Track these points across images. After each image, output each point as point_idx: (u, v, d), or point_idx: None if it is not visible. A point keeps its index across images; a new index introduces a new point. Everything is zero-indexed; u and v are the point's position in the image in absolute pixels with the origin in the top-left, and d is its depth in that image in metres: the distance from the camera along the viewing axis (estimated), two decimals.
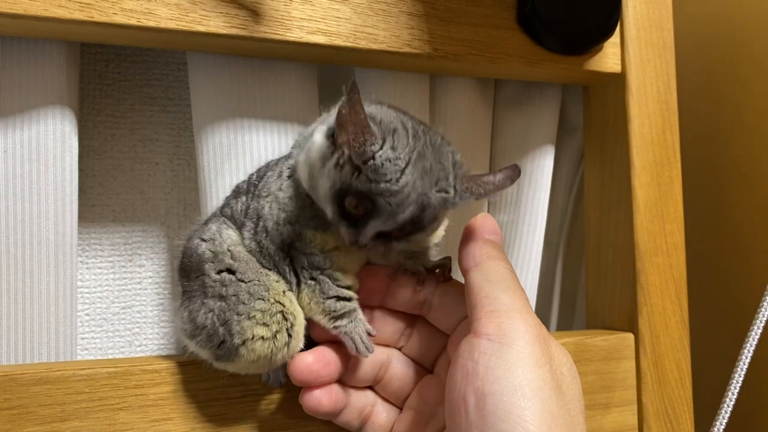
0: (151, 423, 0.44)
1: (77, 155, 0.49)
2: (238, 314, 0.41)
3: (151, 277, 0.58)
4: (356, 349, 0.42)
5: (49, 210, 0.48)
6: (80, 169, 0.51)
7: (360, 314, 0.43)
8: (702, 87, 0.80)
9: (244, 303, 0.41)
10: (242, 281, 0.42)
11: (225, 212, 0.45)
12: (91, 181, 0.56)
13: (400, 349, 0.46)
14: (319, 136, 0.40)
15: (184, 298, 0.44)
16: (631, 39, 0.59)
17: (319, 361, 0.42)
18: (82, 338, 0.56)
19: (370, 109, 0.40)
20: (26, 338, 0.47)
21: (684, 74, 0.64)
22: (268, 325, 0.41)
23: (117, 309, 0.57)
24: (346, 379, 0.44)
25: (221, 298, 0.42)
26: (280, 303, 0.41)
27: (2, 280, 0.47)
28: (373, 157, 0.37)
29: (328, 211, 0.40)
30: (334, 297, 0.42)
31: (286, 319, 0.41)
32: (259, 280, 0.42)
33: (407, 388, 0.45)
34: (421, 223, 0.39)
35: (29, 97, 0.47)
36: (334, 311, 0.42)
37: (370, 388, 0.46)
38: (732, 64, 0.77)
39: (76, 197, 0.49)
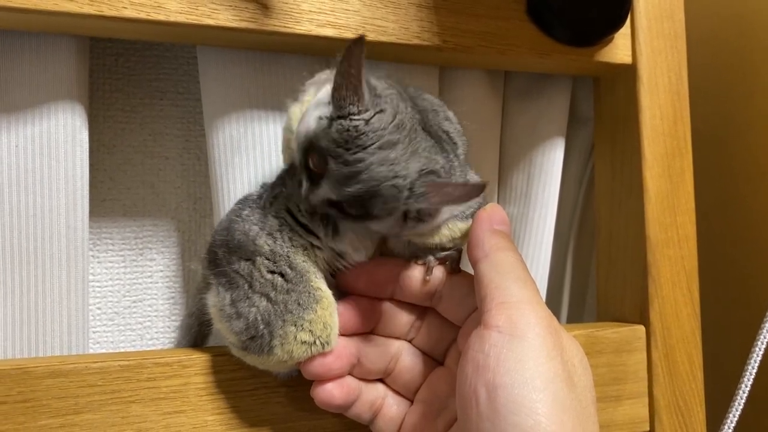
0: (164, 415, 0.45)
1: (88, 150, 0.49)
2: (284, 320, 0.41)
3: (161, 271, 0.58)
4: None
5: (60, 204, 0.48)
6: (91, 164, 0.51)
7: None
8: (713, 77, 0.79)
9: (291, 312, 0.41)
10: (293, 291, 0.42)
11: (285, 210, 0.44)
12: (101, 175, 0.56)
13: (410, 342, 0.46)
14: (329, 87, 0.40)
15: (223, 277, 0.43)
16: (642, 29, 0.59)
17: (330, 355, 0.42)
18: (94, 332, 0.56)
19: (377, 82, 0.40)
20: (39, 332, 0.48)
21: (695, 64, 0.63)
22: (312, 332, 0.41)
23: (128, 303, 0.57)
24: (356, 371, 0.44)
25: (269, 299, 0.42)
26: (324, 315, 0.42)
27: (15, 275, 0.47)
28: (346, 118, 0.37)
29: (296, 157, 0.40)
30: None
31: (326, 328, 0.42)
32: (309, 293, 0.42)
33: (418, 380, 0.45)
34: (369, 208, 0.38)
35: (39, 92, 0.47)
36: None
37: (381, 380, 0.46)
38: (744, 54, 0.76)
39: (87, 192, 0.49)
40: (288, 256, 0.42)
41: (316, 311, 0.42)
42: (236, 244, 0.43)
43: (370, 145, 0.37)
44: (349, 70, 0.37)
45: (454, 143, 0.43)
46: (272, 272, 0.42)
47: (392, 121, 0.38)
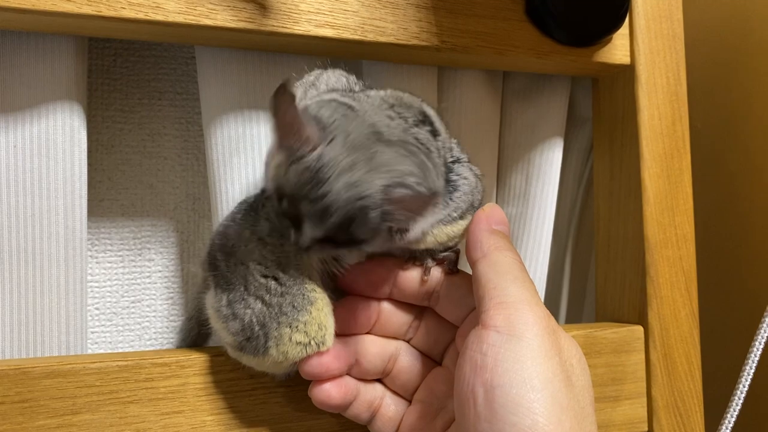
0: (162, 416, 0.45)
1: (86, 150, 0.49)
2: (279, 322, 0.41)
3: (160, 271, 0.58)
4: None
5: (59, 205, 0.48)
6: (89, 164, 0.51)
7: None
8: (712, 78, 0.79)
9: (286, 314, 0.41)
10: (287, 294, 0.42)
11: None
12: (100, 175, 0.56)
13: (408, 342, 0.46)
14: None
15: (221, 279, 0.43)
16: (641, 30, 0.59)
17: (328, 355, 0.42)
18: (92, 332, 0.56)
19: (321, 109, 0.39)
20: (37, 332, 0.48)
21: (694, 65, 0.63)
22: (307, 333, 0.41)
23: (127, 303, 0.57)
24: (354, 372, 0.44)
25: (263, 302, 0.42)
26: (319, 316, 0.42)
27: (13, 275, 0.47)
28: (297, 161, 0.37)
29: (275, 206, 0.40)
30: None
31: (320, 329, 0.42)
32: (303, 296, 0.42)
33: (416, 380, 0.45)
34: (354, 235, 0.38)
35: (38, 92, 0.47)
36: None
37: (379, 381, 0.46)
38: (742, 54, 0.76)
39: (86, 192, 0.49)
40: (279, 261, 0.42)
41: (310, 313, 0.42)
42: (231, 249, 0.43)
43: (329, 177, 0.37)
44: (283, 120, 0.37)
45: (427, 149, 0.42)
46: (265, 276, 0.42)
47: (345, 146, 0.38)
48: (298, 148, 0.37)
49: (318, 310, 0.42)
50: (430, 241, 0.43)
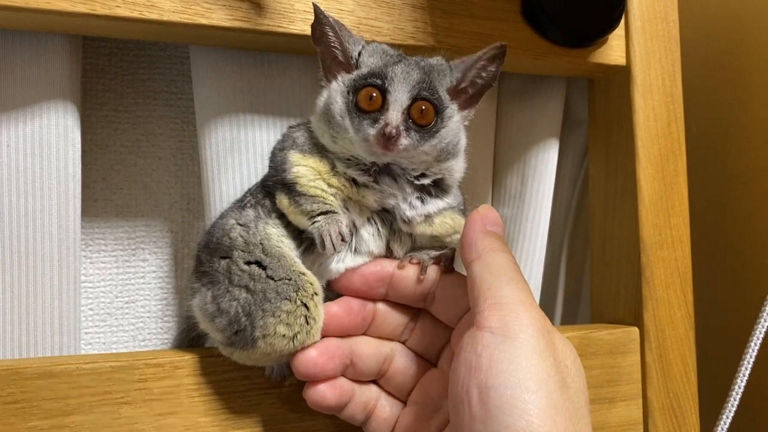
0: (155, 417, 0.44)
1: (80, 149, 0.49)
2: (263, 310, 0.41)
3: (154, 272, 0.58)
4: (323, 245, 0.42)
5: (53, 204, 0.48)
6: (83, 164, 0.51)
7: (340, 217, 0.43)
8: (707, 79, 0.80)
9: (270, 301, 0.41)
10: (271, 278, 0.42)
11: (264, 203, 0.45)
12: (94, 175, 0.56)
13: (403, 343, 0.46)
14: (319, 98, 0.45)
15: (205, 278, 0.44)
16: (636, 31, 0.59)
17: (323, 355, 0.42)
18: (86, 333, 0.56)
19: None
20: (30, 333, 0.47)
21: (689, 66, 0.63)
22: (290, 325, 0.41)
23: (121, 303, 0.57)
24: (350, 373, 0.44)
25: (248, 290, 0.42)
26: (306, 306, 0.42)
27: (6, 275, 0.47)
28: (361, 52, 0.44)
29: (350, 126, 0.42)
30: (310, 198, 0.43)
31: (308, 323, 0.42)
32: (289, 279, 0.42)
33: (411, 381, 0.45)
34: (433, 92, 0.42)
35: (31, 91, 0.47)
36: (311, 211, 0.43)
37: (374, 382, 0.46)
38: (738, 56, 0.76)
39: (79, 192, 0.49)
40: (261, 243, 0.43)
41: (295, 301, 0.41)
42: (216, 243, 0.44)
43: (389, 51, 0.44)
44: (332, 32, 0.43)
45: None
46: (248, 263, 0.42)
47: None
48: (354, 44, 0.44)
49: (304, 297, 0.42)
50: (448, 224, 0.45)
